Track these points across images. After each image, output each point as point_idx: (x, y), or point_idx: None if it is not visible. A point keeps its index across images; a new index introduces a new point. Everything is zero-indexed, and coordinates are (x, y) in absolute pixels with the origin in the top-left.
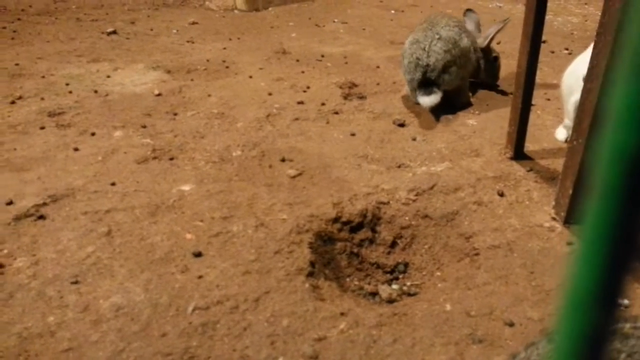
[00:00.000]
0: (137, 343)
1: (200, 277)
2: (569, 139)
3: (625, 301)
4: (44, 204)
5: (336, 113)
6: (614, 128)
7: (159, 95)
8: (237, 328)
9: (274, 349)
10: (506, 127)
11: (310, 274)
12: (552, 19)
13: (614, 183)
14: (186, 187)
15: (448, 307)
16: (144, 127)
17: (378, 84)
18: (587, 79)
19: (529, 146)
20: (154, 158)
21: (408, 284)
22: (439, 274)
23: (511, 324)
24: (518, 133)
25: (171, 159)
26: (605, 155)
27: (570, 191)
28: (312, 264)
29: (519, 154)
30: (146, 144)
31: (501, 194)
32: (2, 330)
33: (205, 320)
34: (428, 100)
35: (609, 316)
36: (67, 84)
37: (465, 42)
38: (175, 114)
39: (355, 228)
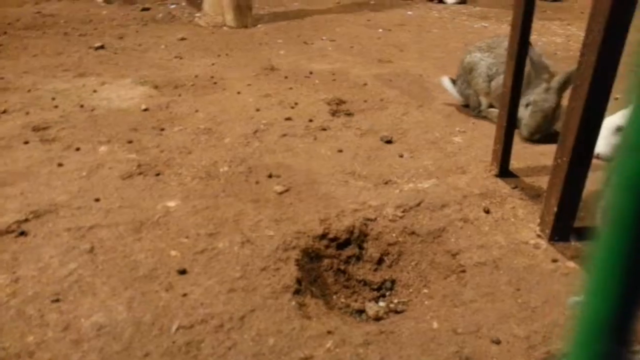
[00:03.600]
0: None
1: (184, 295)
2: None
3: None
4: (26, 220)
5: (324, 129)
6: (626, 154)
7: (146, 110)
8: (222, 347)
9: None
10: (491, 145)
11: (296, 292)
12: (537, 39)
13: (626, 209)
14: (172, 203)
15: (435, 324)
16: (130, 142)
17: (365, 101)
18: (572, 99)
19: (514, 164)
20: (140, 174)
21: (395, 301)
22: (425, 291)
23: (498, 342)
24: (503, 151)
25: (157, 174)
26: (618, 182)
27: (555, 209)
28: (299, 281)
29: (504, 171)
30: (132, 159)
31: (487, 211)
32: None
33: (189, 339)
34: (447, 83)
35: (621, 347)
36: (53, 99)
37: (466, 59)
38: (162, 129)
39: (343, 245)
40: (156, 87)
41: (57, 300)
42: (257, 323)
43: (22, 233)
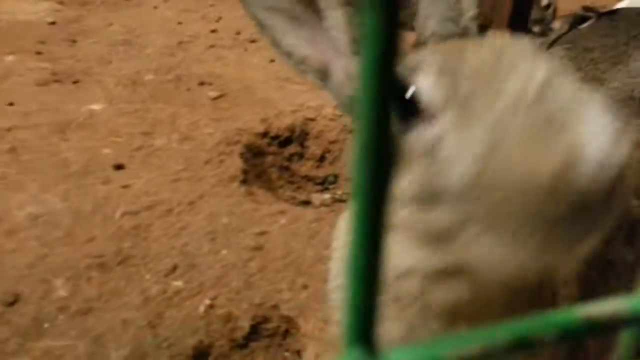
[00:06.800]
0: (62, 248)
1: (125, 186)
2: None
3: None
4: None
5: (253, 41)
6: None
7: (53, 23)
8: (174, 229)
9: (215, 243)
10: None
11: (244, 181)
12: None
13: None
14: (96, 107)
15: None
16: (40, 53)
17: None
18: None
19: None
20: (56, 81)
21: (339, 192)
22: None
23: None
24: None
25: (75, 82)
26: None
27: None
28: (245, 172)
29: None
30: (45, 67)
31: None
32: None
33: (137, 223)
34: None
35: None
36: None
37: None
38: (75, 41)
39: (284, 142)
40: (61, 2)
41: None
42: (208, 207)
43: None
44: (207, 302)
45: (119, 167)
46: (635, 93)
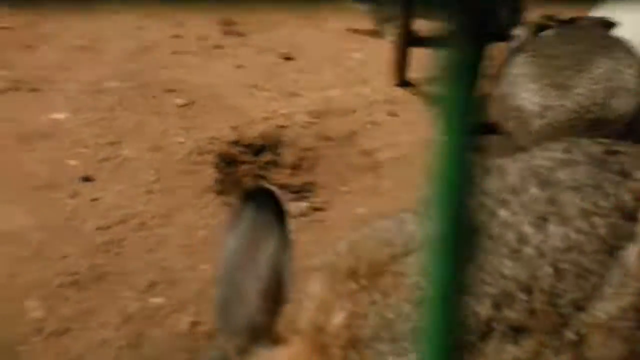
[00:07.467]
0: (34, 266)
1: (94, 199)
2: None
3: None
4: None
5: (218, 47)
6: None
7: (6, 28)
8: (148, 243)
9: (194, 257)
10: (389, 59)
11: (220, 192)
12: None
13: None
14: (60, 116)
15: (360, 210)
16: None
17: (257, 21)
18: None
19: (413, 74)
20: (15, 89)
21: (318, 200)
22: (345, 188)
23: None
24: (402, 61)
25: (34, 90)
26: None
27: None
28: (221, 182)
29: (404, 81)
30: (1, 76)
31: (393, 115)
32: None
33: (109, 238)
34: None
35: None
36: None
37: None
38: (30, 47)
39: (258, 151)
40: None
41: None
42: (184, 219)
43: None
44: (190, 318)
45: (87, 179)
46: (598, 99)
